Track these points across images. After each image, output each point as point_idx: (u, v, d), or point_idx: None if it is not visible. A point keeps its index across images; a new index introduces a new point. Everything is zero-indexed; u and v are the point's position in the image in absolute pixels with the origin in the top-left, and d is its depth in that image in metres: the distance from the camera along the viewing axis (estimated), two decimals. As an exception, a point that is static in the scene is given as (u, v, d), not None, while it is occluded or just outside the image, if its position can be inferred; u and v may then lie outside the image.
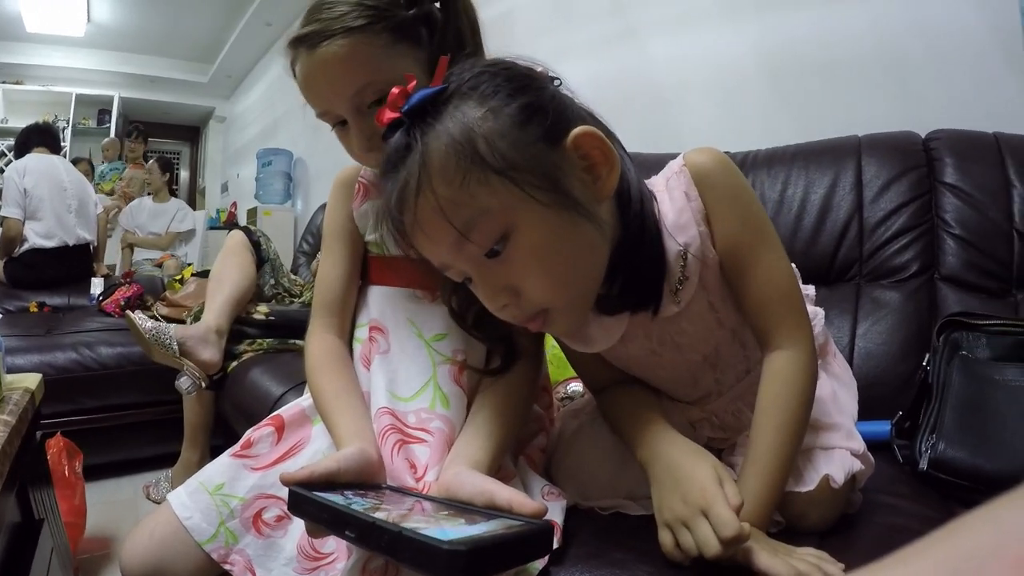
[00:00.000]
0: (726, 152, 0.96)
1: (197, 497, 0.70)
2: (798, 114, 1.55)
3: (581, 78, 0.71)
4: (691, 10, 1.80)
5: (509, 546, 0.44)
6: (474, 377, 0.73)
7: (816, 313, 0.76)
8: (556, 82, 0.59)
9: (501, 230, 0.52)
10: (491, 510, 0.52)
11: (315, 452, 0.73)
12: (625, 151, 0.62)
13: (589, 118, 0.59)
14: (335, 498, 0.52)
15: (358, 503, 0.51)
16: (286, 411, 0.77)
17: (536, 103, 0.53)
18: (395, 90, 0.54)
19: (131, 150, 4.67)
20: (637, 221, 0.59)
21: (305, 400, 0.78)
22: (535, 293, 0.55)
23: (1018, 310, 1.01)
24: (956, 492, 0.80)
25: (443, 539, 0.41)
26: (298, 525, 0.69)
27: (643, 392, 0.71)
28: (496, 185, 0.51)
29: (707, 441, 0.74)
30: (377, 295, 0.78)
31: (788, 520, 0.64)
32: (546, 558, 0.58)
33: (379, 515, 0.47)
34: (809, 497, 0.62)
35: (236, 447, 0.74)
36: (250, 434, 0.74)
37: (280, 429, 0.75)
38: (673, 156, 0.65)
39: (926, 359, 0.95)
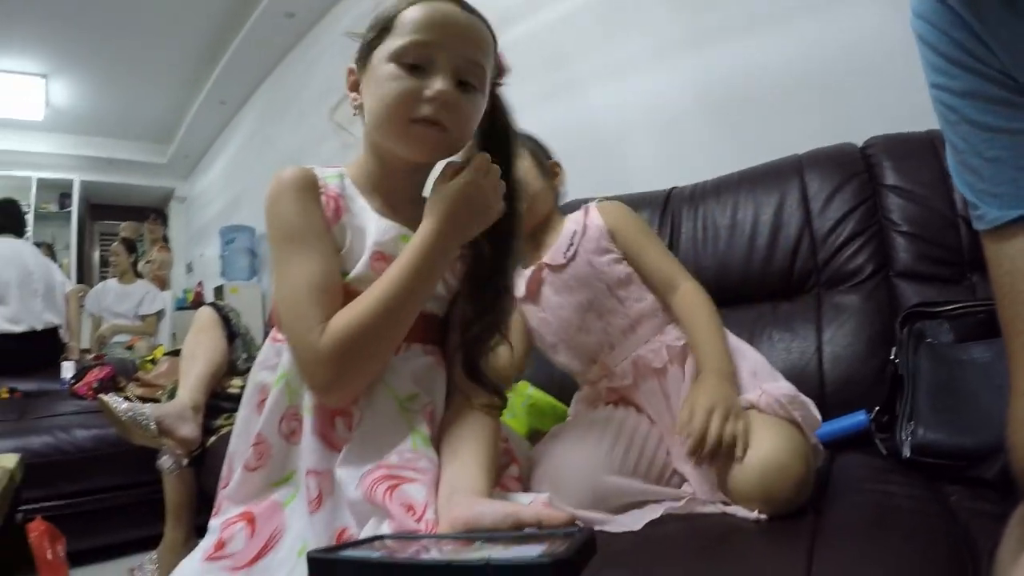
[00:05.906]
0: (673, 187, 1.02)
1: None
2: (738, 142, 1.60)
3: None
4: (627, 57, 1.88)
5: (582, 553, 0.42)
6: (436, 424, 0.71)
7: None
8: None
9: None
10: (517, 532, 0.50)
11: (295, 539, 0.66)
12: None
13: None
14: (369, 553, 0.46)
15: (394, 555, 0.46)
16: (254, 505, 0.69)
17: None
18: None
19: (151, 231, 4.63)
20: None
21: (274, 493, 0.70)
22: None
23: (975, 292, 1.03)
24: (943, 473, 0.81)
25: (535, 556, 0.38)
26: None
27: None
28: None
29: (608, 400, 0.94)
30: None
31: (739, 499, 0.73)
32: None
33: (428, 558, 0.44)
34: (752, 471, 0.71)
35: (209, 548, 0.66)
36: (220, 534, 0.68)
37: (252, 521, 0.67)
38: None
39: (893, 353, 0.98)
